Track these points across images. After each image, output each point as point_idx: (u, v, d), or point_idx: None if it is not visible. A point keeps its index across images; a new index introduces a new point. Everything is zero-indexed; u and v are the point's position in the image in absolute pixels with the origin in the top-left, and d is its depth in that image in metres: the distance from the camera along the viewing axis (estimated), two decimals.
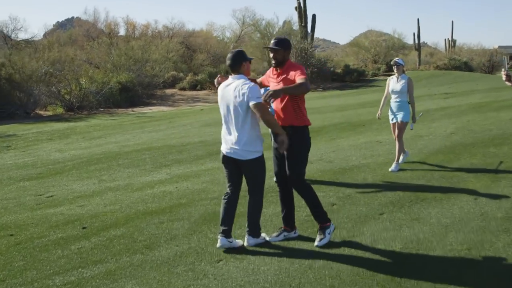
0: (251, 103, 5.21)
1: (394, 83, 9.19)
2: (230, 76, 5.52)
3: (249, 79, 5.52)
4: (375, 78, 42.16)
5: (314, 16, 46.20)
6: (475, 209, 6.49)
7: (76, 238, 6.28)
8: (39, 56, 29.05)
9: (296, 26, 49.16)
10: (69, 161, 12.11)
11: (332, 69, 40.78)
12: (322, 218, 5.69)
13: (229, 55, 5.46)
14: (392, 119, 9.24)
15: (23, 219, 7.30)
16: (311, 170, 9.24)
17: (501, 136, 11.44)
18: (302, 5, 45.45)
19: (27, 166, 11.71)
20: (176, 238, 6.05)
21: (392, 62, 9.34)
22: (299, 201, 6.13)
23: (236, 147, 5.42)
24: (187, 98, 34.88)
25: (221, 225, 5.65)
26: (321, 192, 7.67)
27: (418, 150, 10.57)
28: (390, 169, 8.86)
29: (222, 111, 5.57)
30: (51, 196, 8.74)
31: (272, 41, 5.59)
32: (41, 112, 27.77)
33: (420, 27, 54.92)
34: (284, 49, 5.52)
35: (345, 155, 10.56)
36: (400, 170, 8.86)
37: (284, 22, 55.20)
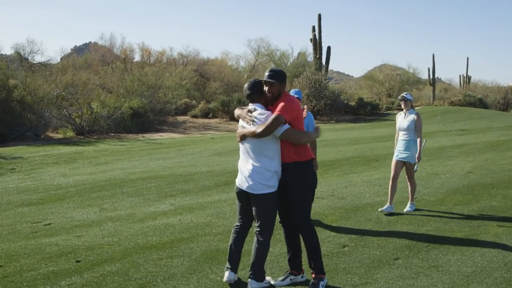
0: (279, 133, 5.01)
1: (401, 119, 8.66)
2: (250, 104, 5.27)
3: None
4: (389, 112, 41.73)
5: (329, 48, 46.14)
6: (498, 258, 6.00)
7: (68, 272, 5.86)
8: (52, 79, 29.01)
9: (310, 57, 49.16)
10: (72, 186, 11.76)
11: (345, 101, 40.45)
12: (319, 268, 5.24)
13: (248, 84, 5.22)
14: (397, 156, 8.61)
15: (15, 248, 6.90)
16: (322, 207, 8.80)
17: None
18: (317, 36, 45.44)
19: (29, 191, 11.37)
20: (174, 278, 5.61)
21: (399, 97, 8.83)
22: None
23: (250, 180, 5.09)
24: (198, 126, 34.63)
25: (228, 259, 5.36)
26: (331, 232, 7.24)
27: (435, 189, 10.10)
28: (405, 210, 8.38)
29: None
30: (48, 224, 8.35)
31: (267, 73, 5.15)
32: (52, 135, 27.61)
33: (435, 62, 54.68)
34: (280, 82, 5.14)
35: (358, 192, 10.11)
36: (416, 210, 8.39)
37: (299, 54, 55.24)
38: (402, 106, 8.65)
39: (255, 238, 5.24)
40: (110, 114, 29.40)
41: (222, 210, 8.94)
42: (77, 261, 6.25)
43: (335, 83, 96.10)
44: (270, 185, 5.06)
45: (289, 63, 49.65)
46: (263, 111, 5.11)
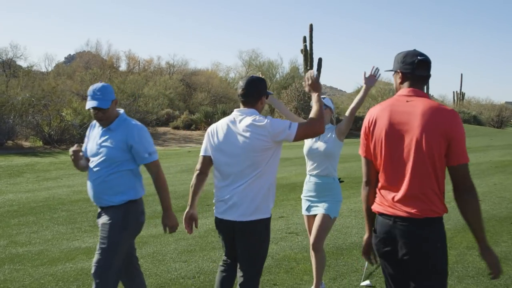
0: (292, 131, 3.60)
1: (311, 140, 5.01)
2: (236, 110, 3.80)
3: None
4: None
5: (320, 60, 44.24)
6: None
7: None
8: (16, 83, 26.83)
9: (301, 69, 47.30)
10: None
11: (335, 116, 38.47)
12: None
13: (245, 81, 3.79)
14: (307, 209, 5.06)
15: None
16: (295, 247, 6.70)
17: None
18: (308, 47, 43.60)
19: None
20: None
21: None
22: None
23: (237, 205, 3.68)
24: (179, 138, 32.56)
25: None
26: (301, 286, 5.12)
27: None
28: None
29: (219, 156, 3.79)
30: None
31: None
32: (24, 143, 25.42)
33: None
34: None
35: (343, 226, 8.00)
36: None
37: (290, 65, 53.29)
38: None
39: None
40: (82, 122, 27.26)
41: (163, 249, 6.83)
42: None
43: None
44: (264, 210, 3.77)
45: (277, 74, 47.66)
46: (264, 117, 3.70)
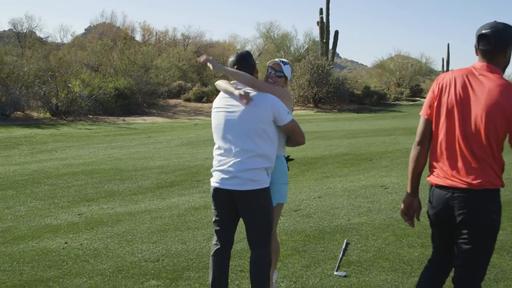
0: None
1: None
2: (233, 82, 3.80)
3: None
4: (396, 102, 38.95)
5: (336, 33, 43.21)
6: None
7: None
8: (24, 53, 26.50)
9: (317, 41, 46.28)
10: None
11: (350, 90, 37.59)
12: None
13: (235, 55, 3.86)
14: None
15: None
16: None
17: None
18: (324, 19, 42.54)
19: None
20: None
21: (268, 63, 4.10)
22: None
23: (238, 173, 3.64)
24: (189, 110, 32.12)
25: None
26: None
27: None
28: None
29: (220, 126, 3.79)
30: None
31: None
32: (34, 114, 25.18)
33: (450, 53, 51.69)
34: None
35: (332, 205, 7.50)
36: (408, 246, 5.76)
37: (306, 37, 52.02)
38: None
39: (252, 256, 3.86)
40: (90, 94, 26.96)
41: (135, 228, 6.41)
42: None
43: (348, 72, 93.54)
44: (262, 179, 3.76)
45: (292, 47, 46.53)
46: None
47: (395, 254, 5.36)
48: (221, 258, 3.82)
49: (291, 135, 3.88)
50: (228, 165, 3.67)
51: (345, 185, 8.97)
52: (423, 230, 6.22)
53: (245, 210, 3.72)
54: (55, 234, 6.21)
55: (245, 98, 3.61)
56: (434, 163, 3.19)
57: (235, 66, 3.77)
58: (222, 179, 3.70)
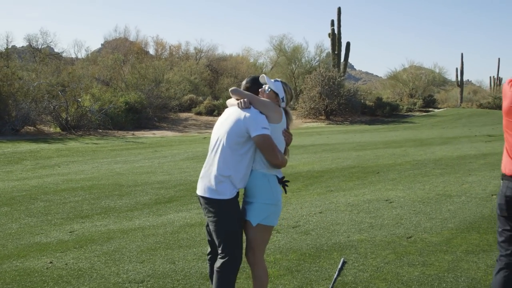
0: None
1: None
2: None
3: None
4: (409, 113, 38.47)
5: (348, 44, 43.04)
6: None
7: None
8: (35, 68, 26.57)
9: (325, 53, 46.12)
10: None
11: (362, 101, 37.22)
12: None
13: (248, 78, 4.11)
14: (242, 210, 4.02)
15: None
16: (271, 247, 5.93)
17: None
18: (336, 31, 42.40)
19: None
20: None
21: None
22: None
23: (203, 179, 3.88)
24: (200, 124, 31.99)
25: None
26: None
27: (442, 221, 7.12)
28: None
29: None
30: None
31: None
32: (41, 129, 25.20)
33: (464, 63, 51.20)
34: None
35: (332, 221, 7.20)
36: (408, 265, 5.45)
37: (317, 49, 51.86)
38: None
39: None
40: (100, 108, 26.94)
41: (125, 246, 6.17)
42: None
43: (363, 83, 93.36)
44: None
45: (303, 59, 46.25)
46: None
47: (393, 273, 5.05)
48: (212, 264, 3.96)
49: (261, 151, 3.70)
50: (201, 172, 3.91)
51: (349, 200, 8.67)
52: (425, 247, 5.92)
53: (207, 216, 3.84)
54: (42, 253, 6.00)
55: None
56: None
57: (247, 85, 3.99)
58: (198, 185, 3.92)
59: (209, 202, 3.74)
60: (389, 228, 6.73)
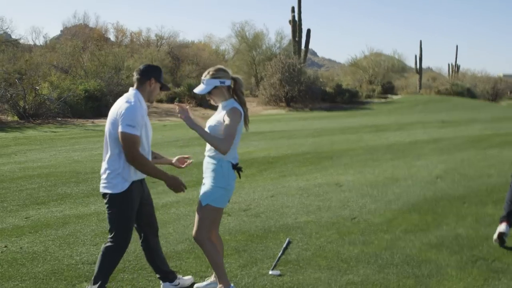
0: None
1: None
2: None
3: None
4: (368, 100, 39.20)
5: (309, 31, 43.44)
6: None
7: None
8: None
9: (287, 40, 46.41)
10: None
11: (322, 88, 37.73)
12: None
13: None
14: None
15: None
16: (220, 229, 6.18)
17: (503, 187, 8.25)
18: (296, 18, 42.70)
19: None
20: None
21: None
22: None
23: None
24: (160, 112, 31.91)
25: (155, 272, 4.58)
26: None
27: (386, 203, 7.52)
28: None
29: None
30: None
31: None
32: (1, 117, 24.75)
33: (424, 50, 52.28)
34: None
35: (282, 204, 7.51)
36: (349, 243, 5.80)
37: (277, 36, 52.05)
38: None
39: None
40: (59, 96, 26.58)
41: (80, 230, 6.34)
42: None
43: (325, 70, 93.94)
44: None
45: (263, 45, 46.47)
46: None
47: (334, 252, 5.39)
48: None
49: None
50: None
51: (300, 184, 9.00)
52: (367, 227, 6.28)
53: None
54: None
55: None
56: None
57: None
58: None
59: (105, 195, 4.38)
60: (335, 210, 7.08)
